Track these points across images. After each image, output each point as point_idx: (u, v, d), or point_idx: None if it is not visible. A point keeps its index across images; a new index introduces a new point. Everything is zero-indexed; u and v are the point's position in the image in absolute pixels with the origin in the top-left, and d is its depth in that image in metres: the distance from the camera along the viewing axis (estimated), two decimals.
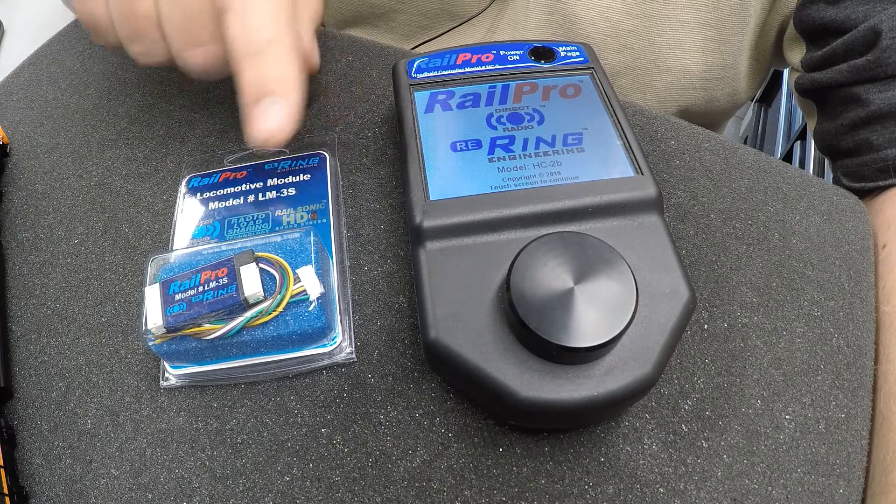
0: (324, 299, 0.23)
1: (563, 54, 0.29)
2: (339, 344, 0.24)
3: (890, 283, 0.27)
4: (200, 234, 0.28)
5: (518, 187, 0.23)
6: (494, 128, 0.25)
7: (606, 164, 0.24)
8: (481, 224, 0.22)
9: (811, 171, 0.91)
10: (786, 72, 1.04)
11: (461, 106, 0.27)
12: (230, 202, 0.29)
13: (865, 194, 0.34)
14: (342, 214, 0.29)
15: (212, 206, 0.29)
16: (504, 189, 0.23)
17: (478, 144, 0.25)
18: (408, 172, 0.24)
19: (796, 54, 0.40)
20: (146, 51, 0.26)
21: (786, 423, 0.23)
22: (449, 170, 0.24)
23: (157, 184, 0.31)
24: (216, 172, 0.30)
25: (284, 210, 0.28)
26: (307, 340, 0.23)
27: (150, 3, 0.25)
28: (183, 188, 0.30)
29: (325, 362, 0.24)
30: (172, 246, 0.28)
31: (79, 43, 0.39)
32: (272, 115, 0.22)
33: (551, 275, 0.19)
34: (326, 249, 0.26)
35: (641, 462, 0.22)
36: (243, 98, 0.22)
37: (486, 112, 0.26)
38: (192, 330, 0.22)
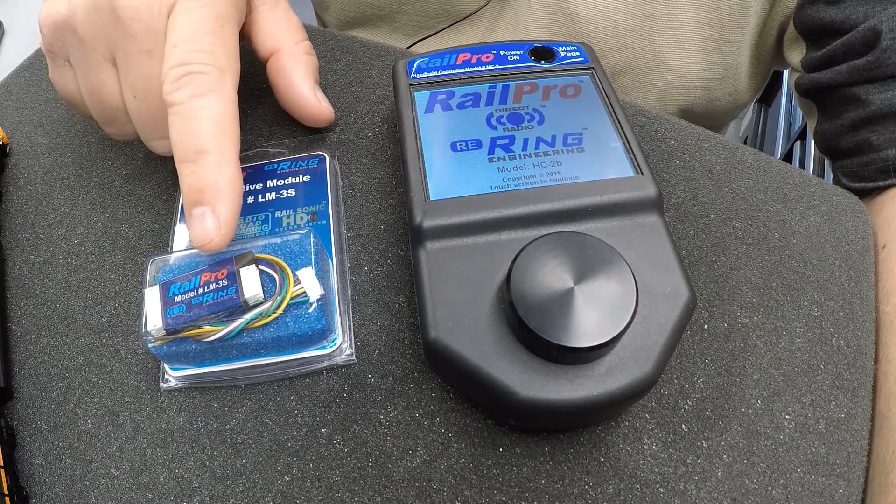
0: (324, 301, 0.23)
1: (563, 54, 0.29)
2: (339, 346, 0.24)
3: (890, 283, 0.27)
4: None
5: (518, 187, 0.23)
6: (494, 128, 0.25)
7: (606, 164, 0.24)
8: (481, 224, 0.22)
9: (811, 171, 0.91)
10: (786, 72, 1.04)
11: (461, 106, 0.27)
12: None
13: (865, 194, 0.34)
14: (342, 215, 0.29)
15: None
16: (504, 189, 0.23)
17: (478, 144, 0.25)
18: (408, 172, 0.24)
19: (796, 54, 0.40)
20: (118, 132, 0.28)
21: (786, 423, 0.23)
22: (449, 170, 0.24)
23: (157, 184, 0.31)
24: None
25: (284, 211, 0.28)
26: (307, 342, 0.23)
27: (118, 95, 0.25)
28: None
29: (325, 364, 0.24)
30: (172, 247, 0.28)
31: None
32: (201, 225, 0.22)
33: (551, 275, 0.19)
34: (326, 251, 0.26)
35: (641, 462, 0.22)
36: (183, 202, 0.22)
37: (486, 112, 0.26)
38: (192, 332, 0.22)
